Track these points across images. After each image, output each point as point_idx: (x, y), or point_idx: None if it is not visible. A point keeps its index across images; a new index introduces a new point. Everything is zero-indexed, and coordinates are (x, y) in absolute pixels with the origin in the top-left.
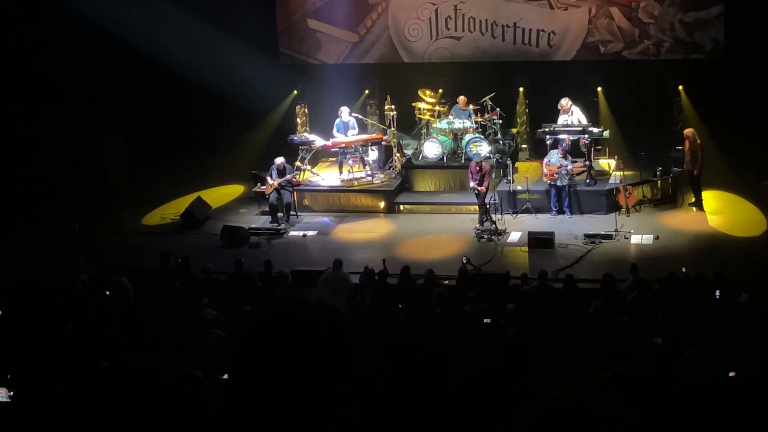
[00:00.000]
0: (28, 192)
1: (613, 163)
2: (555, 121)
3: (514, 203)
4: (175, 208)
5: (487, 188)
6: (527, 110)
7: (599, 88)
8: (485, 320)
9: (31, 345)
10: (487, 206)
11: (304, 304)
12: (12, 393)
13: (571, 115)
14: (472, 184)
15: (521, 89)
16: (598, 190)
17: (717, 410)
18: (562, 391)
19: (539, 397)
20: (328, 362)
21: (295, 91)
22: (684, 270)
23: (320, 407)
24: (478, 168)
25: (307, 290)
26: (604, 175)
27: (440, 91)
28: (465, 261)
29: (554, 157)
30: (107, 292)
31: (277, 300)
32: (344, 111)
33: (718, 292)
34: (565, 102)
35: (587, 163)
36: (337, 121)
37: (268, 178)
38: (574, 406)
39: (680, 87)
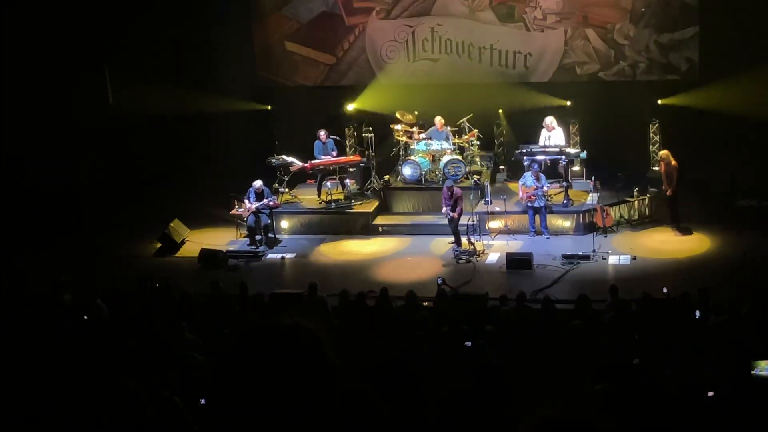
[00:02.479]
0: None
1: (590, 183)
2: (534, 141)
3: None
4: (153, 232)
5: (459, 214)
6: (504, 131)
7: (568, 102)
8: (466, 343)
9: (9, 368)
10: (466, 227)
11: (280, 329)
12: None
13: (549, 139)
14: (444, 209)
15: (500, 111)
16: (576, 210)
17: (696, 430)
18: (557, 409)
19: (535, 413)
20: (306, 386)
21: (269, 106)
22: (665, 290)
23: (300, 430)
24: (449, 193)
25: (284, 315)
26: (581, 196)
27: (416, 112)
28: (440, 282)
29: (529, 179)
30: (85, 317)
31: (255, 326)
32: (322, 133)
33: (698, 312)
34: (549, 120)
35: (564, 184)
36: (316, 142)
37: (246, 201)
38: (570, 424)
39: (660, 101)
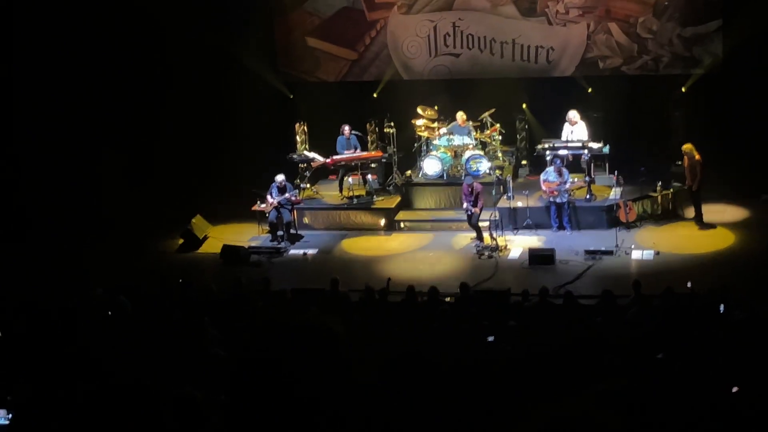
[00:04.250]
0: (24, 207)
1: (613, 178)
2: (557, 135)
3: (514, 220)
4: (175, 228)
5: (481, 209)
6: (527, 126)
7: (590, 89)
8: (489, 338)
9: (32, 365)
10: (488, 223)
11: (299, 328)
12: (11, 415)
13: (572, 133)
14: (465, 205)
15: (524, 105)
16: (598, 205)
17: (720, 425)
18: (563, 406)
19: (540, 409)
20: (323, 381)
21: (291, 95)
22: (689, 285)
23: (315, 424)
24: (470, 190)
25: (303, 312)
26: (604, 191)
27: (436, 107)
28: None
29: (552, 174)
30: (109, 312)
31: (275, 325)
32: (346, 129)
33: (722, 307)
34: (572, 115)
35: (587, 179)
36: (340, 138)
37: (269, 196)
38: (575, 421)
39: (683, 88)
